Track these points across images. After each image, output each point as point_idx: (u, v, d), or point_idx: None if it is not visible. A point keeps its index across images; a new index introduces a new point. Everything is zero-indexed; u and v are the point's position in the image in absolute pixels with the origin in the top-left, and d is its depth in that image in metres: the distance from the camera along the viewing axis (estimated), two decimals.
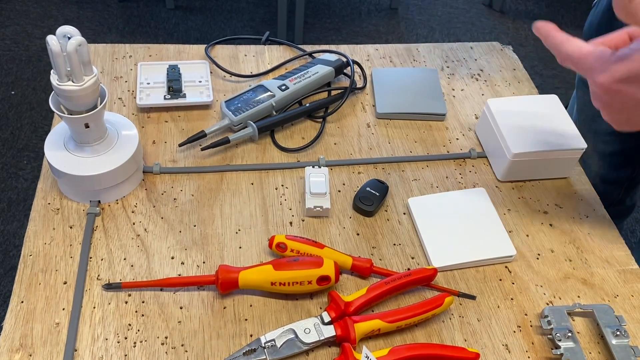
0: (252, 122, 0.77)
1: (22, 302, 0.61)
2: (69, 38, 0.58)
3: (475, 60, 0.95)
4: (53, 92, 0.62)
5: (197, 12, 2.45)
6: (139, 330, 0.59)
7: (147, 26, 2.35)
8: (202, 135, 0.75)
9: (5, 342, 0.57)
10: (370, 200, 0.71)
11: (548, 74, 2.33)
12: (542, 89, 2.24)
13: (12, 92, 2.05)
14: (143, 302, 0.61)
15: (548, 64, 2.38)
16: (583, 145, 0.74)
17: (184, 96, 0.81)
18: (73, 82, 0.59)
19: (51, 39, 0.56)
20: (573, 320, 0.63)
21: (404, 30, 2.44)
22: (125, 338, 0.59)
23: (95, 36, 2.27)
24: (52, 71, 0.60)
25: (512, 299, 0.65)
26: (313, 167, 0.73)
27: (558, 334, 0.60)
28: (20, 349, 0.57)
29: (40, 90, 2.06)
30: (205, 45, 0.90)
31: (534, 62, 2.39)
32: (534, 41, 2.50)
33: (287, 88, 0.81)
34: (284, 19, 2.22)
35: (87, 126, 0.64)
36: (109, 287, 0.61)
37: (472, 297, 0.64)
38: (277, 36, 2.24)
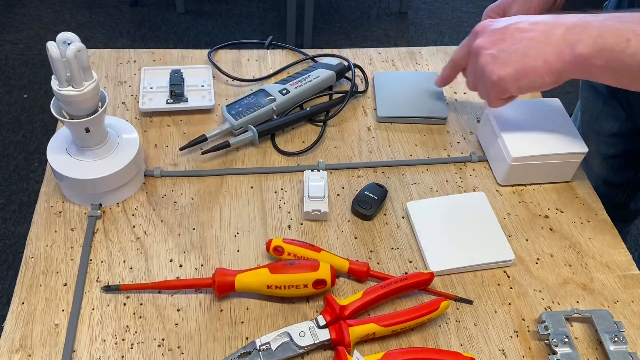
0: (252, 126, 0.77)
1: (23, 303, 0.61)
2: (69, 44, 0.59)
3: None
4: (54, 97, 0.63)
5: (208, 16, 2.47)
6: (136, 332, 0.60)
7: (158, 30, 2.37)
8: (202, 139, 0.76)
9: (5, 343, 0.58)
10: (369, 204, 0.71)
11: None
12: (553, 92, 2.23)
13: (25, 96, 2.08)
14: (141, 304, 0.62)
15: None
16: (584, 149, 0.74)
17: (186, 100, 0.82)
18: (73, 87, 0.60)
19: (51, 45, 0.57)
20: (571, 325, 0.63)
21: (413, 35, 2.44)
22: (123, 340, 0.59)
23: (107, 40, 2.30)
24: (52, 76, 0.61)
25: (509, 303, 0.65)
26: (312, 170, 0.74)
27: (555, 340, 0.59)
28: (20, 350, 0.58)
29: (52, 93, 2.08)
30: (209, 49, 0.91)
31: None
32: None
33: (288, 92, 0.82)
34: (293, 24, 2.22)
35: (87, 130, 0.65)
36: (108, 289, 0.62)
37: (470, 302, 0.64)
38: (286, 40, 2.25)
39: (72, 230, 0.68)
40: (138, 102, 0.82)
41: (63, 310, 0.61)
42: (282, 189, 0.74)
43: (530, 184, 0.77)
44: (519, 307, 0.64)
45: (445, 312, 0.63)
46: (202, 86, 0.84)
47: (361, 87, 0.89)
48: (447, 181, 0.77)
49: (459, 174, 0.78)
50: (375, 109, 0.85)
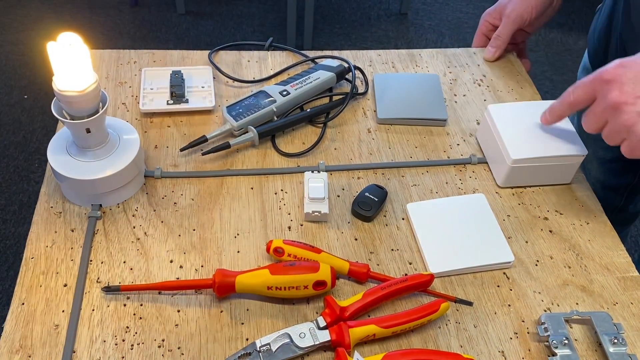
0: (253, 127, 0.78)
1: (23, 304, 0.62)
2: (70, 45, 0.59)
3: (478, 65, 0.95)
4: (55, 97, 0.63)
5: (208, 17, 2.47)
6: (136, 333, 0.60)
7: (158, 31, 2.38)
8: (203, 140, 0.76)
9: (5, 344, 0.58)
10: (369, 206, 0.71)
11: (558, 79, 2.32)
12: (553, 94, 2.23)
13: (25, 97, 2.08)
14: (141, 305, 0.62)
15: (558, 69, 2.37)
16: (584, 151, 0.74)
17: (187, 101, 0.82)
18: (74, 87, 0.60)
19: (52, 46, 0.58)
20: (571, 327, 0.63)
21: (413, 35, 2.45)
22: (123, 340, 0.59)
23: (107, 41, 2.30)
24: (53, 77, 0.61)
25: (509, 305, 0.65)
26: (312, 172, 0.74)
27: (554, 341, 0.59)
28: (20, 350, 0.58)
29: (53, 94, 2.08)
30: (209, 50, 0.91)
31: (544, 67, 2.38)
32: (545, 46, 2.49)
33: (288, 93, 0.82)
34: (293, 24, 2.23)
35: (88, 131, 0.65)
36: (108, 290, 0.62)
37: (469, 303, 0.64)
38: (286, 42, 2.26)
39: (72, 230, 0.68)
40: (138, 102, 0.82)
41: (63, 311, 0.61)
42: (282, 190, 0.74)
43: (529, 186, 0.77)
44: (519, 308, 0.64)
45: (445, 314, 0.63)
46: (203, 87, 0.85)
47: (361, 89, 0.89)
48: (446, 183, 0.77)
49: (458, 176, 0.78)
50: (375, 111, 0.85)
